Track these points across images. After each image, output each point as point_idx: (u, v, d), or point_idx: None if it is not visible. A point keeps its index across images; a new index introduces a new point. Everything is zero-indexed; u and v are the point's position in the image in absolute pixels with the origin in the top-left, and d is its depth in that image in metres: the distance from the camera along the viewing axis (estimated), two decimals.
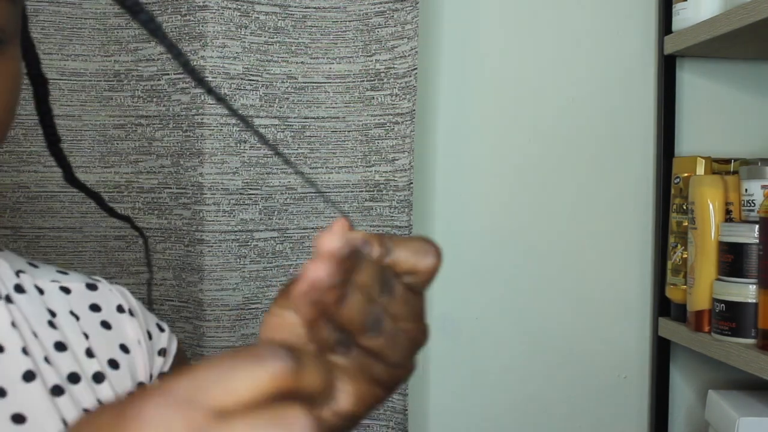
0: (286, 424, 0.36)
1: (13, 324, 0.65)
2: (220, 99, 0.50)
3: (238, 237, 1.32)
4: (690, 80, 1.50)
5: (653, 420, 1.47)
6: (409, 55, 1.35)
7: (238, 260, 1.32)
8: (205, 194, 1.31)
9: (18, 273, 0.69)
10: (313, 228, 1.37)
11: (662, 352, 1.46)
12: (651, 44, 1.49)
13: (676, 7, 1.39)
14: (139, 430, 0.36)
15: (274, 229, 1.35)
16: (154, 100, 1.34)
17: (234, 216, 1.32)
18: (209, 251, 1.31)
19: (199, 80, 0.50)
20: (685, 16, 1.37)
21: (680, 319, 1.38)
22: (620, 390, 1.50)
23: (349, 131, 1.38)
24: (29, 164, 1.32)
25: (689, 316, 1.33)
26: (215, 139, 1.31)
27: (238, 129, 1.33)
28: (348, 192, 1.38)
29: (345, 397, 0.51)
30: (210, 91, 0.50)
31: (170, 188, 1.34)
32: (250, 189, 1.34)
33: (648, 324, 1.50)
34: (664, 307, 1.45)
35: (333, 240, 0.45)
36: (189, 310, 1.32)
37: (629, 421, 1.51)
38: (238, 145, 1.33)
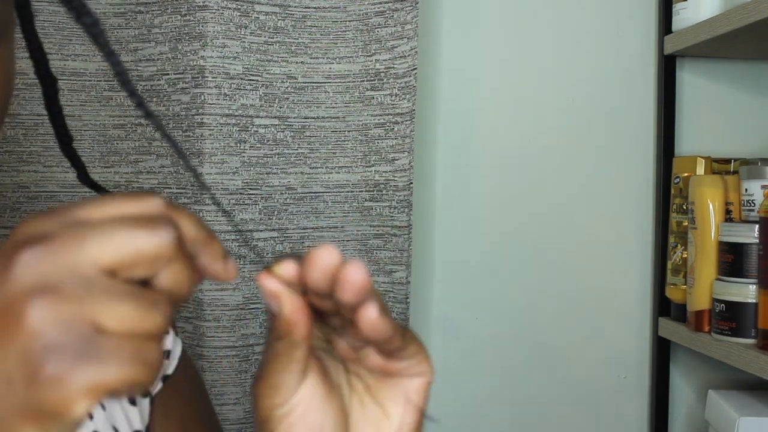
0: (151, 225, 0.41)
1: None
2: (150, 115, 0.50)
3: (238, 237, 1.32)
4: (690, 80, 1.50)
5: (653, 420, 1.47)
6: (408, 55, 1.35)
7: (238, 260, 1.32)
8: (205, 194, 1.30)
9: None
10: (312, 228, 1.37)
11: (662, 352, 1.46)
12: (651, 44, 1.49)
13: (676, 7, 1.39)
14: (15, 234, 0.41)
15: (274, 229, 1.35)
16: (154, 100, 1.34)
17: (234, 216, 1.32)
18: None
19: (132, 92, 0.50)
20: (685, 16, 1.37)
21: (680, 319, 1.38)
22: (620, 390, 1.50)
23: (349, 131, 1.38)
24: (29, 164, 1.32)
25: (689, 316, 1.33)
26: (215, 139, 1.31)
27: (237, 129, 1.33)
28: (348, 192, 1.38)
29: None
30: (140, 104, 0.50)
31: (170, 188, 1.34)
32: (250, 189, 1.34)
33: (648, 324, 1.50)
34: (664, 307, 1.45)
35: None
36: (189, 309, 1.32)
37: (629, 421, 1.51)
38: (238, 145, 1.33)
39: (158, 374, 0.42)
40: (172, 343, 0.76)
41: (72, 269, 0.40)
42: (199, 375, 0.80)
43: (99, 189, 0.75)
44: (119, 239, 0.40)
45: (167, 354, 0.75)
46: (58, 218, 0.42)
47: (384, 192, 1.37)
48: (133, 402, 0.70)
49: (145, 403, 0.72)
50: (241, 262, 1.32)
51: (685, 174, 1.38)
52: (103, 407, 0.68)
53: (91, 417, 0.66)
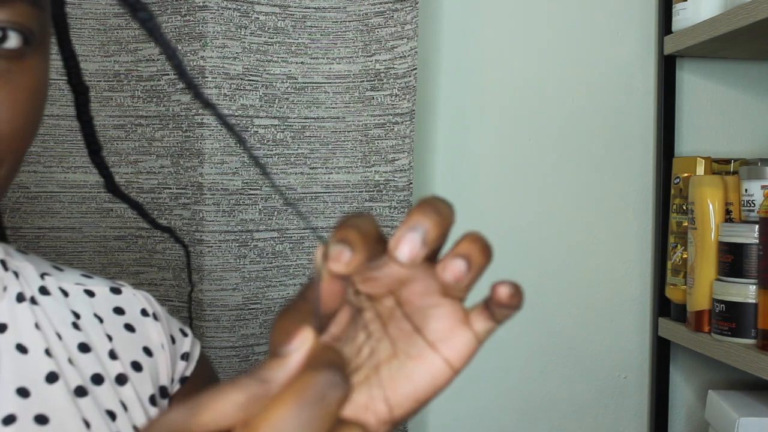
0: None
1: (37, 326, 0.65)
2: (208, 104, 0.49)
3: (237, 237, 1.32)
4: (690, 80, 1.50)
5: (653, 420, 1.47)
6: (408, 55, 1.35)
7: (238, 260, 1.32)
8: (205, 194, 1.31)
9: (43, 275, 0.70)
10: (312, 228, 1.37)
11: (662, 352, 1.46)
12: (651, 44, 1.49)
13: (676, 7, 1.39)
14: None
15: (273, 230, 1.35)
16: (154, 100, 1.34)
17: (234, 216, 1.32)
18: (209, 251, 1.31)
19: (190, 84, 0.49)
20: (685, 16, 1.37)
21: (680, 319, 1.38)
22: (620, 390, 1.50)
23: (349, 131, 1.38)
24: (29, 164, 1.32)
25: (689, 316, 1.33)
26: (215, 140, 1.31)
27: (238, 129, 1.33)
28: (348, 192, 1.38)
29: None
30: (198, 95, 0.49)
31: (170, 188, 1.34)
32: (250, 189, 1.34)
33: (648, 324, 1.50)
34: (664, 307, 1.45)
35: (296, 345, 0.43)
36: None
37: (629, 421, 1.51)
38: (238, 145, 1.33)
39: None
40: (190, 345, 0.76)
41: None
42: (216, 376, 0.80)
43: (126, 199, 0.75)
44: None
45: (186, 356, 0.76)
46: None
47: (384, 192, 1.37)
48: (154, 403, 0.70)
49: (165, 403, 0.72)
50: (242, 263, 1.33)
51: (685, 174, 1.38)
52: (125, 408, 0.68)
53: (113, 418, 0.66)
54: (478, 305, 0.53)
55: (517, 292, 0.51)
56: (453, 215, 0.48)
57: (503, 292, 0.51)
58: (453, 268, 0.49)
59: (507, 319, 0.54)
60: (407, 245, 0.45)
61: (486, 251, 0.50)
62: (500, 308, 0.52)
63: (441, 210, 0.47)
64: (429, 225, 0.46)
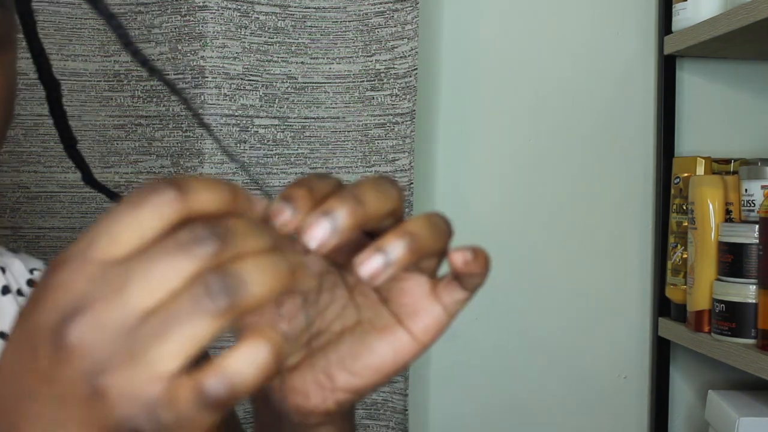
0: (184, 247, 0.37)
1: None
2: (177, 93, 0.49)
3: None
4: (690, 80, 1.50)
5: (653, 420, 1.47)
6: (409, 56, 1.35)
7: None
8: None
9: (32, 270, 0.71)
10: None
11: (662, 352, 1.46)
12: (651, 44, 1.49)
13: (676, 7, 1.39)
14: (46, 292, 0.39)
15: None
16: (154, 100, 1.34)
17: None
18: None
19: (157, 72, 0.49)
20: (685, 16, 1.37)
21: (680, 319, 1.38)
22: (620, 390, 1.50)
23: (349, 131, 1.38)
24: (29, 164, 1.32)
25: (689, 316, 1.33)
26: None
27: (238, 129, 1.33)
28: None
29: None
30: (164, 79, 0.49)
31: None
32: (250, 189, 1.34)
33: (648, 324, 1.50)
34: (664, 307, 1.45)
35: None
36: None
37: (629, 421, 1.51)
38: (238, 145, 1.33)
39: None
40: None
41: (120, 329, 0.37)
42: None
43: (104, 190, 0.76)
44: (159, 279, 0.37)
45: None
46: (84, 270, 0.38)
47: None
48: None
49: None
50: None
51: (685, 174, 1.38)
52: None
53: None
54: (446, 276, 0.51)
55: (477, 258, 0.49)
56: (385, 205, 0.46)
57: (458, 259, 0.48)
58: (369, 265, 0.44)
59: (478, 287, 0.51)
60: (316, 231, 0.43)
61: (433, 230, 0.46)
62: (466, 277, 0.50)
63: (364, 200, 0.45)
64: (344, 212, 0.43)
